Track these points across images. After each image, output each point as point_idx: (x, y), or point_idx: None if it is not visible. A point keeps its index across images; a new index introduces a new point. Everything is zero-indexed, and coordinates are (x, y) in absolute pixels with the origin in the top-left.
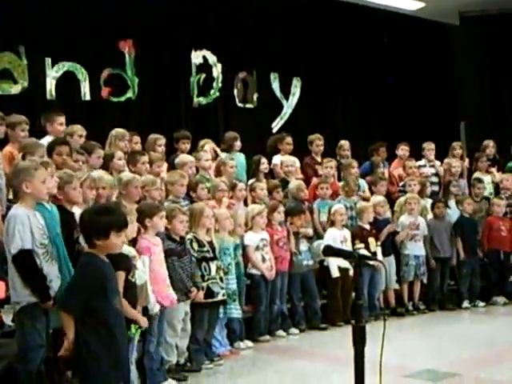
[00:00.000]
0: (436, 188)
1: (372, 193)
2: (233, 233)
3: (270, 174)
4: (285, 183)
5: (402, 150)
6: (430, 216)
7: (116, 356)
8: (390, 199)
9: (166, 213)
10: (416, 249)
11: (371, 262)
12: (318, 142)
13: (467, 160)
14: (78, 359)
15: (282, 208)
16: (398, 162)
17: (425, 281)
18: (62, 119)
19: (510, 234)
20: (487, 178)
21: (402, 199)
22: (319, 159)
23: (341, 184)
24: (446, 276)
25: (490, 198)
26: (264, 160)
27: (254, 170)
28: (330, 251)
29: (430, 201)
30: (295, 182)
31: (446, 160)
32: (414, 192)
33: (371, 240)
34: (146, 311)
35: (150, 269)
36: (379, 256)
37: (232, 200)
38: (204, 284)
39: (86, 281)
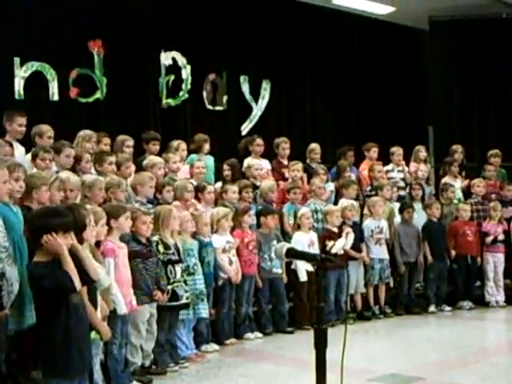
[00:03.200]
0: (403, 193)
1: (341, 196)
2: (196, 234)
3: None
4: (254, 187)
5: (375, 152)
6: (396, 219)
7: (77, 348)
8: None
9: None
10: (380, 252)
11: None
12: (284, 145)
13: (429, 165)
14: (44, 351)
15: (253, 211)
16: (368, 163)
17: (391, 284)
18: (23, 120)
19: (476, 239)
20: (457, 184)
21: (369, 203)
22: (286, 162)
23: (309, 187)
24: (415, 280)
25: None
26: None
27: (233, 172)
28: (293, 253)
29: (397, 205)
30: (267, 183)
31: (412, 164)
32: (385, 197)
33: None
34: (114, 312)
35: (115, 271)
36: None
37: (197, 202)
38: (169, 287)
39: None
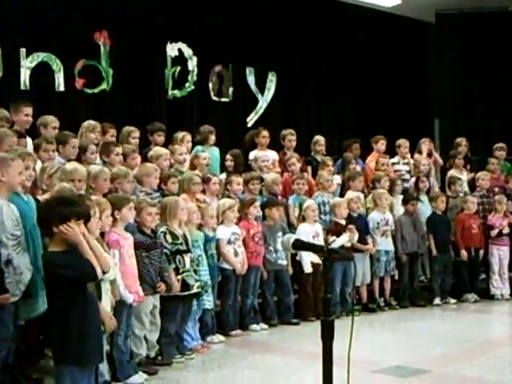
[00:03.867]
0: (407, 185)
1: (347, 189)
2: (202, 226)
3: (248, 169)
4: (260, 179)
5: (382, 144)
6: (398, 212)
7: (92, 337)
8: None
9: (134, 205)
10: (386, 244)
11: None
12: (290, 137)
13: (437, 156)
14: (59, 339)
15: (258, 203)
16: (375, 155)
17: (396, 277)
18: (29, 110)
19: (480, 231)
20: (463, 176)
21: (370, 196)
22: (288, 156)
23: (316, 180)
24: (416, 272)
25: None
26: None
27: (236, 163)
28: (300, 245)
29: (400, 197)
30: (272, 175)
31: (415, 156)
32: (384, 188)
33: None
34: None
35: (120, 262)
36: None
37: (203, 195)
38: (179, 277)
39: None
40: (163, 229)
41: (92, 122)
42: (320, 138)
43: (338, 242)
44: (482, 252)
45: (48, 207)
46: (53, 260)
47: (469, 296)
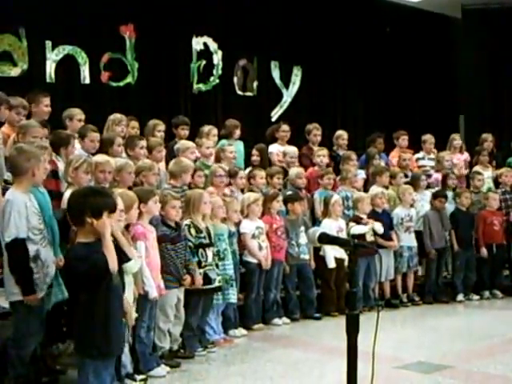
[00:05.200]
0: (431, 180)
1: (372, 183)
2: (226, 220)
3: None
4: (284, 173)
5: (403, 139)
6: (422, 208)
7: (115, 330)
8: None
9: (159, 198)
10: (409, 240)
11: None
12: (315, 131)
13: (466, 154)
14: (83, 330)
15: (281, 197)
16: (397, 151)
17: (419, 273)
18: (48, 100)
19: (502, 228)
20: (487, 173)
21: (391, 191)
22: (316, 149)
23: (340, 175)
24: (442, 268)
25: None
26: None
27: (262, 158)
28: (326, 238)
29: (426, 192)
30: (296, 169)
31: (441, 153)
32: (381, 182)
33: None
34: (145, 296)
35: (145, 255)
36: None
37: (228, 188)
38: (201, 270)
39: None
40: (187, 222)
41: (118, 116)
42: (343, 133)
43: (357, 228)
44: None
45: (82, 197)
46: (74, 252)
47: (486, 292)
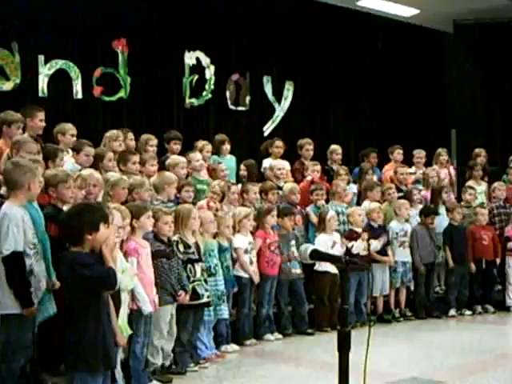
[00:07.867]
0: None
1: (364, 198)
2: (218, 235)
3: (261, 178)
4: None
5: (398, 153)
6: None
7: (104, 343)
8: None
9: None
10: (404, 255)
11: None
12: (307, 146)
13: (452, 168)
14: (73, 345)
15: (275, 212)
16: (392, 165)
17: (412, 288)
18: (43, 115)
19: (492, 243)
20: (480, 188)
21: (385, 205)
22: (309, 163)
23: (331, 189)
24: (432, 283)
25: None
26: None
27: (250, 173)
28: (317, 255)
29: (419, 207)
30: (289, 185)
31: (426, 170)
32: (373, 197)
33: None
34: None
35: (138, 271)
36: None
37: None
38: (190, 286)
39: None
40: (175, 237)
41: (114, 132)
42: (337, 147)
43: (358, 246)
44: (498, 261)
45: (78, 214)
46: (78, 259)
47: (478, 307)
